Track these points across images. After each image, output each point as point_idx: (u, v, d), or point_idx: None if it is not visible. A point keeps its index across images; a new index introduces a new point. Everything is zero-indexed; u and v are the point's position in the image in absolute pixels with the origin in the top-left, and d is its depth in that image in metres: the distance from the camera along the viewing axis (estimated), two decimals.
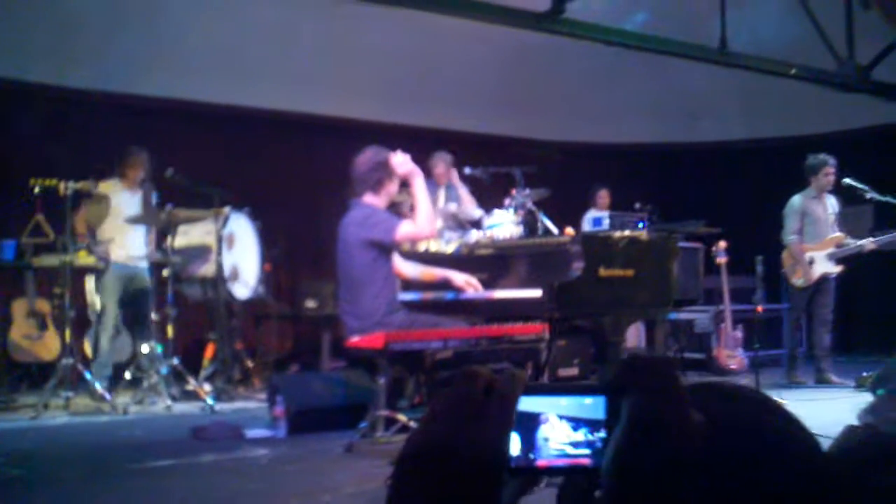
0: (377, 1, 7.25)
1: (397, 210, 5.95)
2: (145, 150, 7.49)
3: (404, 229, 5.29)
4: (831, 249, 7.65)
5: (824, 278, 7.67)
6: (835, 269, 7.66)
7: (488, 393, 0.78)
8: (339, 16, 8.61)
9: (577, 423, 0.82)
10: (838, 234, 7.72)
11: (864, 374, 6.97)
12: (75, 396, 6.69)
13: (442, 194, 7.98)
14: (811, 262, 7.64)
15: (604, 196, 10.19)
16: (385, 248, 5.34)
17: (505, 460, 0.77)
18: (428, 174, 8.00)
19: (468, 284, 5.61)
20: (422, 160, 7.83)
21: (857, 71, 8.81)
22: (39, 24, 8.24)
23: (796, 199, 7.82)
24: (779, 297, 8.69)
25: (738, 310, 8.33)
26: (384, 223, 5.32)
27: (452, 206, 7.40)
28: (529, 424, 0.81)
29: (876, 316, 9.55)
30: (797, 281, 7.70)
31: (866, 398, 5.69)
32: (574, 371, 7.83)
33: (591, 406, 0.82)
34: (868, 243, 7.60)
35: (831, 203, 7.84)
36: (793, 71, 8.80)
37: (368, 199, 5.42)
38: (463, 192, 8.07)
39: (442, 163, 8.08)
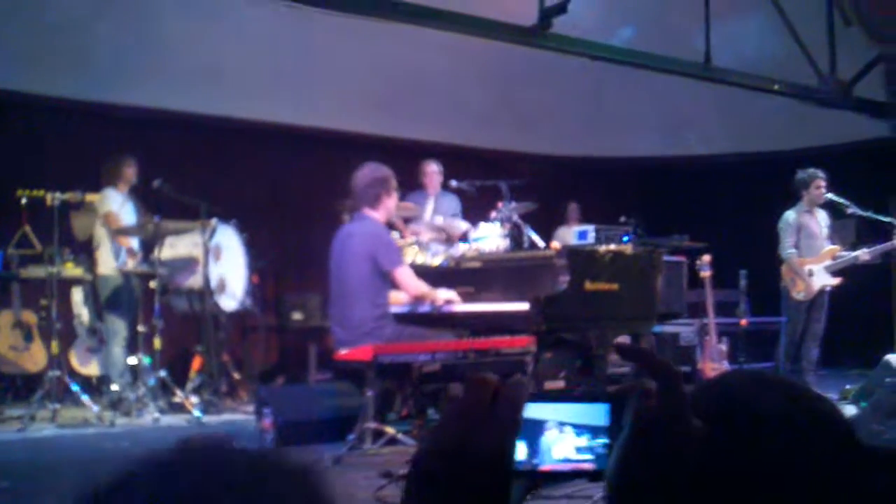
0: (364, 14, 7.30)
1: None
2: (132, 157, 7.55)
3: (402, 273, 5.48)
4: (828, 262, 7.72)
5: (821, 291, 7.74)
6: (832, 282, 7.73)
7: (496, 400, 0.81)
8: (327, 28, 8.63)
9: (580, 429, 0.85)
10: (833, 246, 7.80)
11: (847, 387, 7.04)
12: (62, 408, 6.68)
13: (431, 204, 7.99)
14: (811, 275, 7.71)
15: (574, 210, 10.29)
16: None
17: (512, 465, 0.80)
18: (418, 184, 8.03)
19: (449, 302, 5.66)
20: (408, 172, 7.89)
21: (839, 87, 8.91)
22: (25, 34, 8.24)
23: (790, 215, 7.86)
24: (762, 310, 8.76)
25: (722, 323, 8.38)
26: (391, 253, 5.51)
27: (439, 219, 7.43)
28: (534, 430, 0.84)
29: (859, 329, 9.63)
30: (798, 294, 7.75)
31: (849, 411, 5.75)
32: (560, 384, 7.86)
33: (595, 413, 0.85)
34: (863, 254, 7.68)
35: (823, 217, 7.92)
36: (776, 87, 8.89)
37: (368, 213, 5.53)
38: (453, 202, 8.09)
39: (430, 171, 8.10)
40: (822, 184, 7.80)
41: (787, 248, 7.78)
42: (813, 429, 0.84)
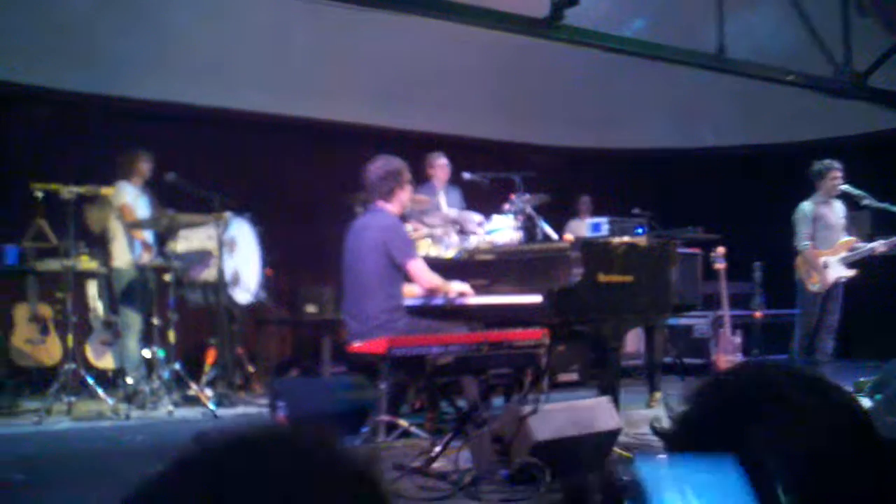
0: (375, 6, 7.30)
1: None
2: (148, 152, 7.58)
3: (415, 266, 5.51)
4: (844, 253, 7.66)
5: (836, 283, 7.69)
6: (848, 273, 7.66)
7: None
8: (338, 20, 8.64)
9: None
10: (850, 237, 7.74)
11: (862, 378, 7.01)
12: (78, 401, 6.72)
13: (442, 197, 7.96)
14: (826, 267, 7.65)
15: (586, 202, 10.25)
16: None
17: None
18: (426, 177, 8.01)
19: (462, 294, 5.67)
20: (421, 164, 7.89)
21: (853, 78, 8.87)
22: (38, 28, 8.26)
23: (807, 206, 7.78)
24: (777, 302, 8.72)
25: (736, 315, 8.36)
26: (405, 246, 5.54)
27: (454, 212, 7.42)
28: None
29: (874, 321, 9.60)
30: (813, 286, 7.68)
31: (864, 403, 5.73)
32: (573, 377, 7.87)
33: (732, 487, 0.67)
34: (879, 245, 7.61)
35: (839, 208, 7.85)
36: (790, 77, 8.85)
37: (381, 205, 5.55)
38: (458, 196, 8.08)
39: (440, 164, 8.07)
40: (838, 174, 7.72)
41: (803, 240, 7.71)
42: (835, 419, 0.85)
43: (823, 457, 0.83)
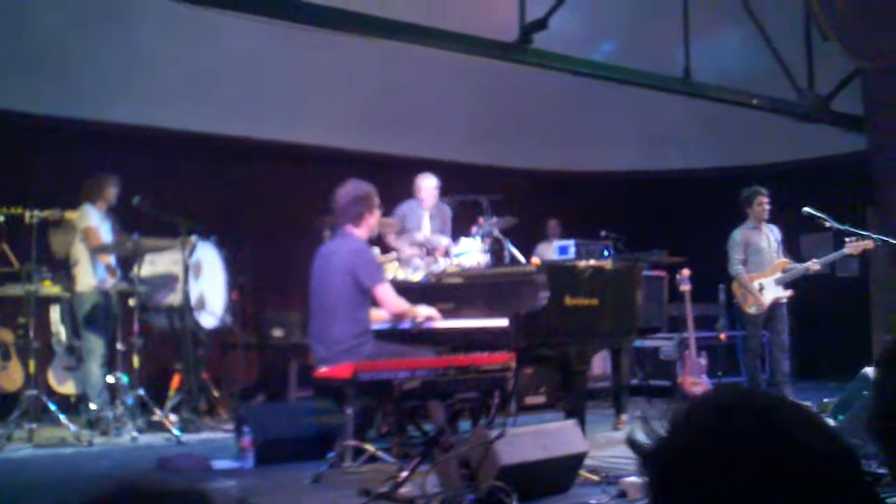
0: (346, 30, 7.30)
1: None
2: (116, 177, 7.49)
3: (383, 290, 5.50)
4: (778, 275, 7.80)
5: (776, 304, 7.79)
6: (785, 294, 7.80)
7: None
8: (311, 44, 8.62)
9: None
10: (783, 259, 7.88)
11: (826, 400, 7.06)
12: (39, 428, 6.62)
13: (426, 218, 7.80)
14: (761, 289, 7.78)
15: (554, 225, 10.28)
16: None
17: None
18: (413, 195, 7.90)
19: (429, 319, 5.67)
20: (389, 188, 7.86)
21: (816, 101, 9.00)
22: (8, 51, 8.19)
23: (736, 233, 7.99)
24: (740, 324, 8.78)
25: (701, 337, 8.40)
26: (372, 270, 5.53)
27: (420, 235, 7.41)
28: None
29: (837, 342, 9.67)
30: (751, 309, 7.82)
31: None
32: (541, 399, 7.86)
33: None
34: (812, 264, 7.76)
35: (772, 231, 7.99)
36: (755, 101, 8.96)
37: (350, 230, 5.54)
38: (447, 212, 7.93)
39: (429, 187, 7.88)
40: (765, 200, 7.92)
41: (735, 265, 7.88)
42: (829, 448, 0.86)
43: (819, 487, 0.84)
